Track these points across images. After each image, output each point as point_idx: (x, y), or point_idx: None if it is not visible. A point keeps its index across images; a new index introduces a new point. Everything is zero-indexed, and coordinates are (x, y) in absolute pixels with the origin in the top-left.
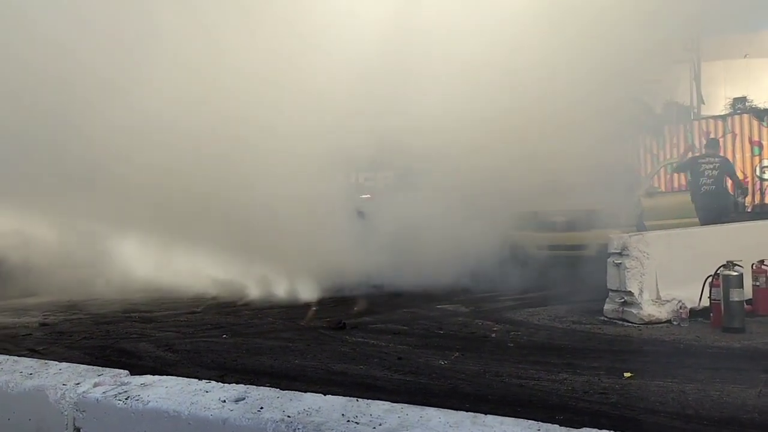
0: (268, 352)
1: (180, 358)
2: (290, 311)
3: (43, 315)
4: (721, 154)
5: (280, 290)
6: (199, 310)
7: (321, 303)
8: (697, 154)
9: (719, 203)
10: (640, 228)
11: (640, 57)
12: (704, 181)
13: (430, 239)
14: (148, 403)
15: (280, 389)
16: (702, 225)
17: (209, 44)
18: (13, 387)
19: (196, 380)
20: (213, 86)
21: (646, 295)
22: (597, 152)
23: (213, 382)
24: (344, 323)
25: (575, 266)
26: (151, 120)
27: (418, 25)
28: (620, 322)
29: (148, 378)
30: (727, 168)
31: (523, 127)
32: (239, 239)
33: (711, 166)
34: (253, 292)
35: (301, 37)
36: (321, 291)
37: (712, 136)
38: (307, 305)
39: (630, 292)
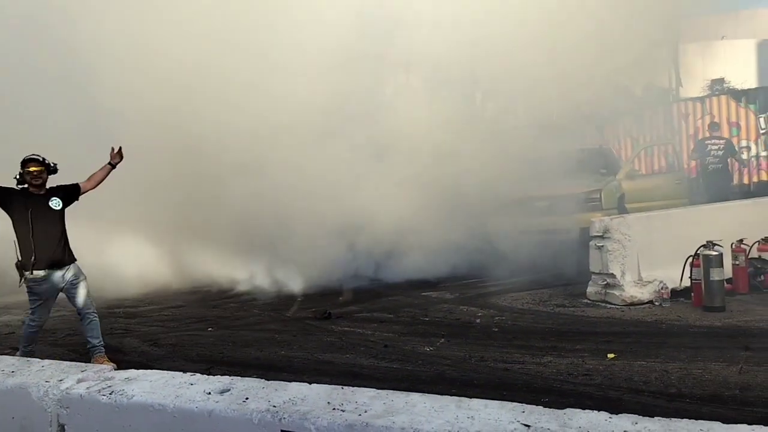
0: (255, 344)
1: (165, 353)
2: (276, 303)
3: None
4: (714, 135)
5: (266, 283)
6: (183, 304)
7: (306, 294)
8: (702, 137)
9: (725, 181)
10: (621, 211)
11: (619, 39)
12: (710, 161)
13: (412, 229)
14: (132, 398)
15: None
16: (709, 203)
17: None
18: None
19: (180, 373)
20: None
21: (628, 277)
22: (576, 135)
23: (198, 375)
24: (330, 313)
25: (559, 251)
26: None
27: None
28: (603, 304)
29: (132, 372)
30: (731, 149)
31: (499, 110)
32: (224, 230)
33: (716, 147)
34: (239, 284)
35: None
36: (306, 282)
37: (715, 120)
38: (292, 297)
39: (612, 274)
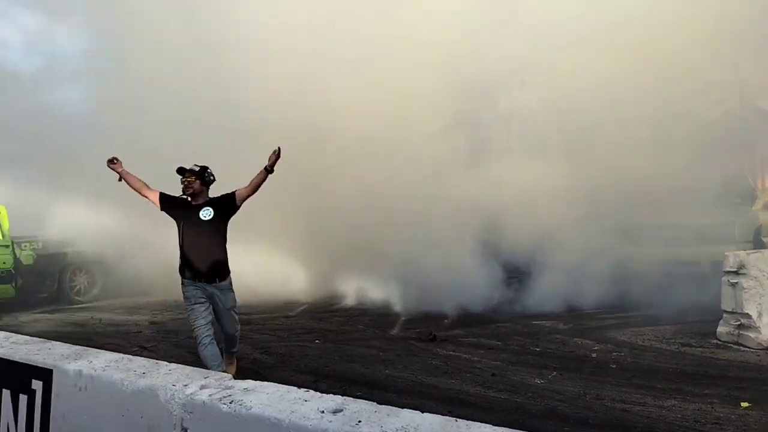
0: (359, 360)
1: (275, 362)
2: (380, 320)
3: (152, 314)
4: None
5: (371, 299)
6: (293, 314)
7: (411, 314)
8: None
9: None
10: (758, 245)
11: (757, 57)
12: None
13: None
14: (251, 409)
15: (373, 400)
16: None
17: None
18: (127, 385)
19: (295, 388)
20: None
21: (765, 318)
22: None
23: (311, 392)
24: (435, 335)
25: (685, 284)
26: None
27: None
28: (735, 347)
29: (250, 383)
30: None
31: (625, 135)
32: (337, 242)
33: None
34: (346, 298)
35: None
36: (411, 301)
37: None
38: (397, 315)
39: (747, 314)
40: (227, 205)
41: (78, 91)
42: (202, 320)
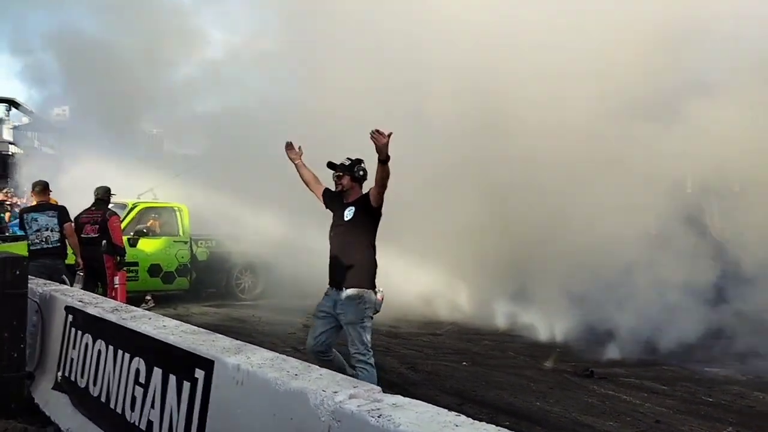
0: (508, 388)
1: (421, 379)
2: (533, 348)
3: (306, 317)
4: None
5: (525, 323)
6: (440, 332)
7: (567, 344)
8: None
9: None
10: None
11: None
12: None
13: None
14: (399, 426)
15: None
16: None
17: None
18: (280, 385)
19: (446, 411)
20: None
21: None
22: None
23: (462, 417)
24: (592, 371)
25: None
26: None
27: None
28: None
29: (399, 399)
30: None
31: None
32: (492, 260)
33: None
34: (495, 320)
35: None
36: (568, 330)
37: None
38: (551, 344)
39: None
40: (366, 206)
41: (258, 92)
42: (310, 338)
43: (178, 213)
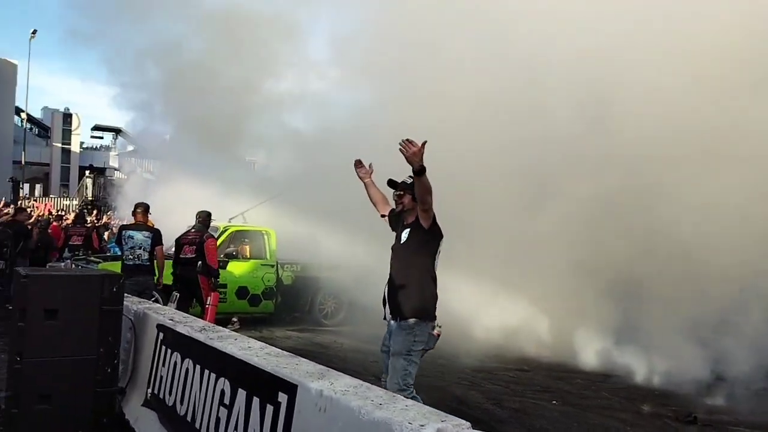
0: (602, 431)
1: (508, 416)
2: (629, 389)
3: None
4: None
5: (620, 362)
6: (528, 368)
7: (668, 385)
8: None
9: None
10: None
11: None
12: None
13: None
14: None
15: None
16: None
17: None
18: (364, 414)
19: None
20: None
21: None
22: None
23: None
24: (695, 417)
25: None
26: None
27: None
28: None
29: None
30: None
31: None
32: (584, 293)
33: None
34: (586, 359)
35: None
36: (671, 370)
37: None
38: (648, 386)
39: None
40: (419, 227)
41: (350, 113)
42: (384, 374)
43: (265, 237)
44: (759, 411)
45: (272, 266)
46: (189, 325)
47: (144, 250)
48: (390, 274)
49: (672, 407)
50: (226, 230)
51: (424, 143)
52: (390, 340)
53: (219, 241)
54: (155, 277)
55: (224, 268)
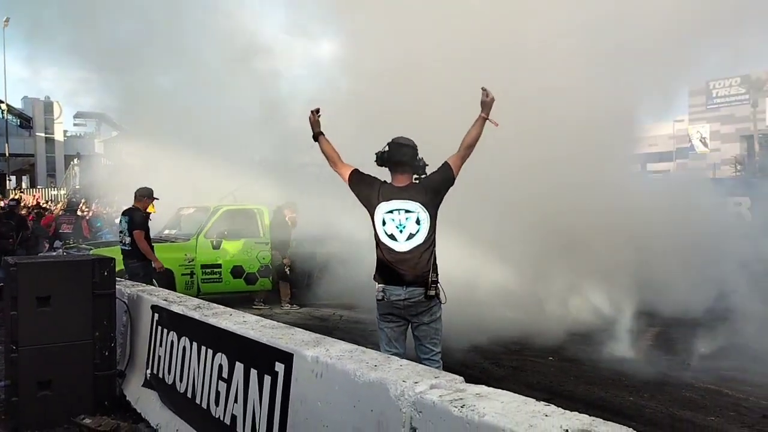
0: (599, 383)
1: (506, 374)
2: (626, 340)
3: None
4: None
5: (616, 313)
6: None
7: (662, 331)
8: None
9: None
10: None
11: None
12: None
13: None
14: (483, 416)
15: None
16: None
17: None
18: (360, 376)
19: (533, 400)
20: None
21: None
22: None
23: (552, 406)
24: (689, 363)
25: None
26: None
27: None
28: None
29: (483, 389)
30: None
31: None
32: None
33: None
34: (582, 312)
35: None
36: (665, 317)
37: None
38: (645, 334)
39: None
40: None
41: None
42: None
43: (258, 215)
44: (751, 357)
45: (266, 244)
46: (183, 304)
47: (125, 234)
48: None
49: (666, 356)
50: (217, 210)
51: (317, 110)
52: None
53: (211, 222)
54: (148, 263)
55: (217, 248)
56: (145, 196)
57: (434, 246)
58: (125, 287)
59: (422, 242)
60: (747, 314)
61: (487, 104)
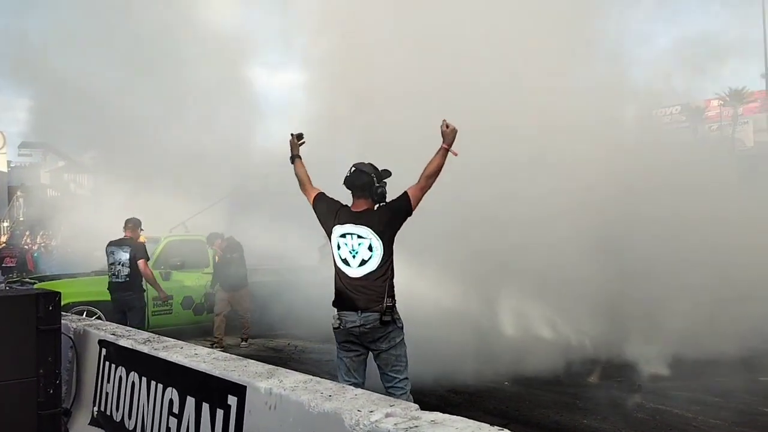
0: (553, 407)
1: (462, 401)
2: (576, 363)
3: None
4: None
5: (565, 337)
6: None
7: (611, 359)
8: None
9: None
10: None
11: None
12: None
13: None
14: None
15: None
16: None
17: None
18: (314, 406)
19: (488, 426)
20: None
21: None
22: None
23: (505, 430)
24: (640, 385)
25: None
26: None
27: None
28: None
29: (438, 416)
30: None
31: None
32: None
33: None
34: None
35: None
36: (611, 344)
37: None
38: (595, 359)
39: None
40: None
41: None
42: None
43: (206, 245)
44: (696, 377)
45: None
46: (132, 338)
47: (123, 266)
48: None
49: (618, 378)
50: (163, 241)
51: (299, 134)
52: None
53: (157, 253)
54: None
55: (167, 279)
56: (137, 226)
57: (390, 273)
58: (71, 322)
59: (375, 269)
60: (693, 335)
61: (447, 135)
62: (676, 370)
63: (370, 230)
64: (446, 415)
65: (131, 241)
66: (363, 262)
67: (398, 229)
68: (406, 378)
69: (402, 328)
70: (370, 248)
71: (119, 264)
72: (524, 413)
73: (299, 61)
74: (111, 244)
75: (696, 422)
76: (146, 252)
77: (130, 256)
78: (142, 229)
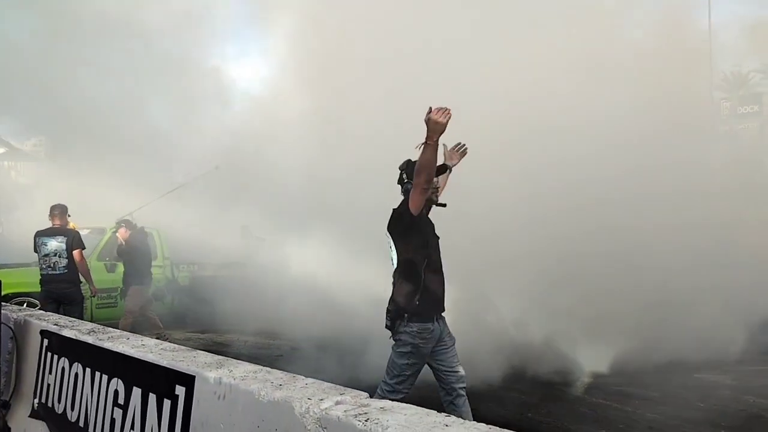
0: (499, 401)
1: (401, 399)
2: (522, 357)
3: (294, 342)
4: None
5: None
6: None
7: (555, 354)
8: None
9: None
10: None
11: None
12: None
13: (694, 295)
14: (387, 429)
15: None
16: None
17: None
18: (264, 395)
19: (435, 412)
20: None
21: None
22: None
23: (453, 417)
24: (582, 380)
25: None
26: None
27: None
28: None
29: (387, 403)
30: None
31: None
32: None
33: None
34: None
35: None
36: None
37: None
38: (539, 356)
39: None
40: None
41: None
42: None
43: (155, 236)
44: (635, 374)
45: (160, 267)
46: (76, 328)
47: (59, 256)
48: (441, 269)
49: (561, 373)
50: (108, 232)
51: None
52: (446, 338)
53: (101, 244)
54: (82, 285)
55: (112, 271)
56: (65, 212)
57: (398, 278)
58: (11, 312)
59: (395, 270)
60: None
61: (428, 125)
62: (616, 367)
63: (388, 232)
64: (395, 403)
65: (64, 229)
66: (392, 263)
67: (403, 233)
68: (391, 384)
69: (405, 342)
70: (391, 248)
71: (55, 255)
72: (471, 407)
73: (262, 51)
74: (40, 234)
75: (635, 416)
76: (82, 241)
77: (66, 245)
78: (69, 215)
